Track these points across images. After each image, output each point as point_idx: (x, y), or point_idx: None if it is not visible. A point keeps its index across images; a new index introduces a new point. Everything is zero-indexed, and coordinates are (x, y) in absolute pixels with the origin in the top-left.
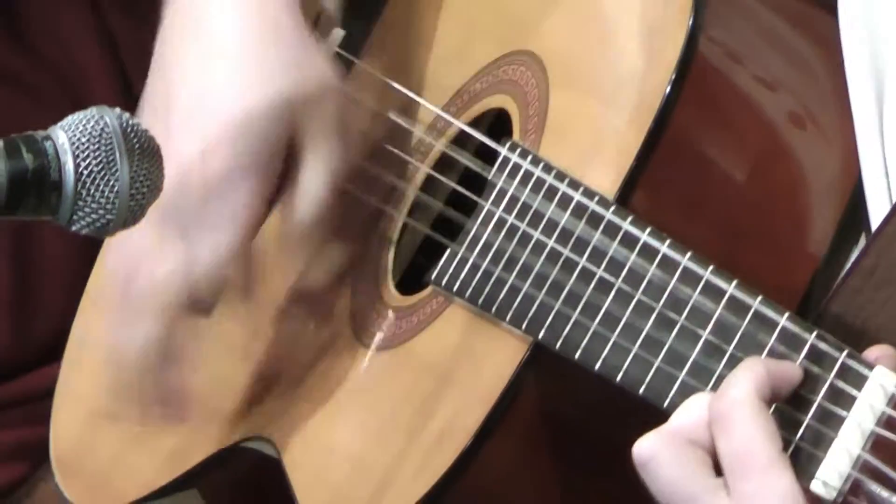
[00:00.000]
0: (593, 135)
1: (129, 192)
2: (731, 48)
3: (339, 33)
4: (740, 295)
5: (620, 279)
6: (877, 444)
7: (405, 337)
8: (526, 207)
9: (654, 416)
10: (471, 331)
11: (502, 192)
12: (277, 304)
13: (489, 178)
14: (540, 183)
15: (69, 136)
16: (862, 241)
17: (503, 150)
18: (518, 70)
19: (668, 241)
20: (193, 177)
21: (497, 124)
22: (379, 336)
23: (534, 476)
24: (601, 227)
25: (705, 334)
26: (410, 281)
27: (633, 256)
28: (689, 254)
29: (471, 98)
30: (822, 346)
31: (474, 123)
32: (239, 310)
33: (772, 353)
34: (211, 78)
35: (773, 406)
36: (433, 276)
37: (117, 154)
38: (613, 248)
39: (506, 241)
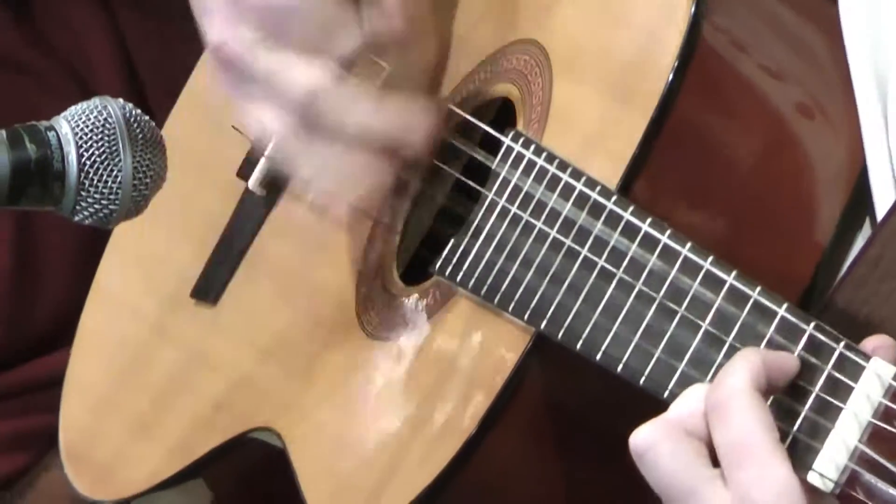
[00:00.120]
0: (596, 124)
1: (132, 182)
2: (735, 35)
3: None
4: (740, 285)
5: (621, 269)
6: (874, 436)
7: (410, 328)
8: (529, 197)
9: (655, 407)
10: (474, 322)
11: (506, 182)
12: (285, 293)
13: (493, 167)
14: (543, 173)
15: (72, 127)
16: (866, 228)
17: (507, 140)
18: (522, 59)
19: (668, 232)
20: None
21: (502, 112)
22: (384, 327)
23: (536, 466)
24: (603, 216)
25: (705, 325)
26: (415, 272)
27: (633, 246)
28: (689, 244)
29: (475, 87)
30: (820, 336)
31: (478, 112)
32: (243, 301)
33: (770, 344)
34: None
35: (771, 397)
36: (437, 266)
37: (120, 144)
38: (615, 238)
39: (509, 231)
